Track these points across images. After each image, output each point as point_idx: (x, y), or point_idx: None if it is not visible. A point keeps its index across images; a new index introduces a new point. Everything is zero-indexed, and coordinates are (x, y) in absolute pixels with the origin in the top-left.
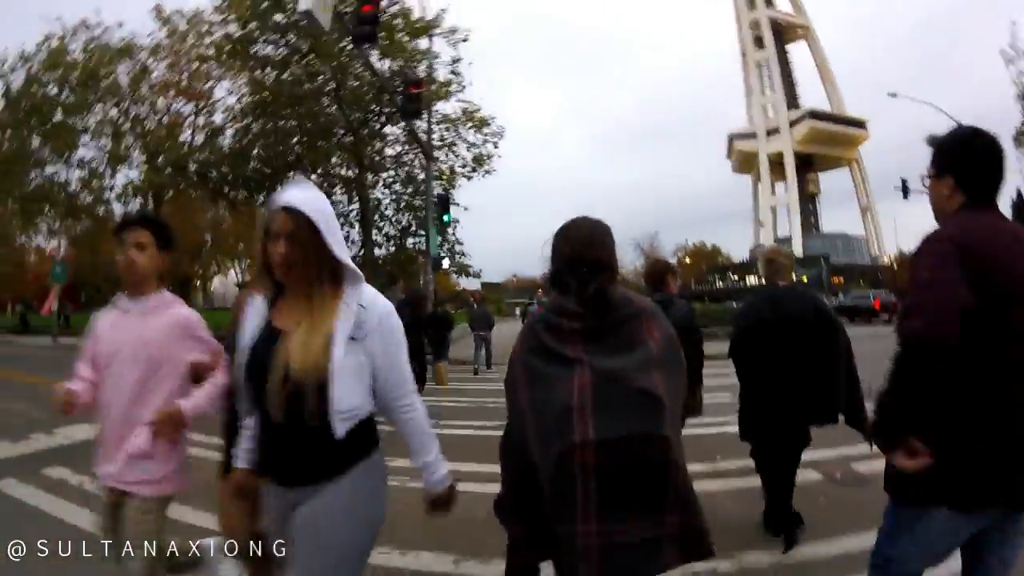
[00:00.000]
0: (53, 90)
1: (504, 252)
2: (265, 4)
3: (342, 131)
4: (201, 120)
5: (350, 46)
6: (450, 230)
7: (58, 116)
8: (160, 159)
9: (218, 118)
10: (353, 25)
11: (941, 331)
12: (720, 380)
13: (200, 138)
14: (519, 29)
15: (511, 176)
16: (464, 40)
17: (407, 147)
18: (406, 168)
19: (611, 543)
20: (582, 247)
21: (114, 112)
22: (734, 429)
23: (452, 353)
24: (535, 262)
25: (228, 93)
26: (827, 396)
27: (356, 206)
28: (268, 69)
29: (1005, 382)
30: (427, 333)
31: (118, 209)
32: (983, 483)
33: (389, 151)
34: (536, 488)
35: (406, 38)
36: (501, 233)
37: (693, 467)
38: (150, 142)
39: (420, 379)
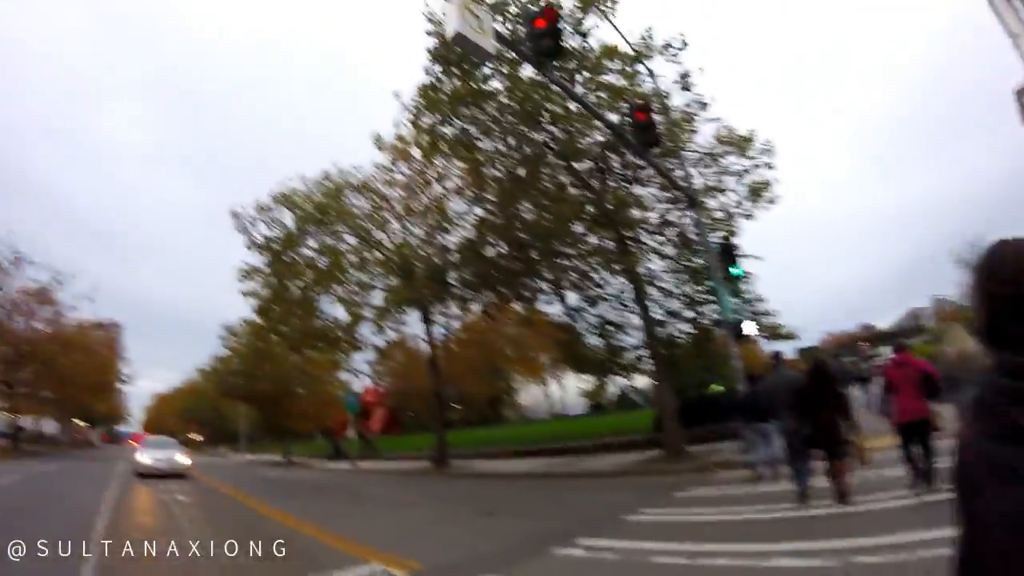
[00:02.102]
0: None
1: (799, 308)
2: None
3: (588, 203)
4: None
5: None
6: (743, 285)
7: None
8: (412, 273)
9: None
10: (531, 44)
11: None
12: None
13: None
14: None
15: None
16: (683, 48)
17: (668, 206)
18: (676, 229)
19: None
20: None
21: (353, 241)
22: None
23: None
24: (839, 315)
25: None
26: None
27: (628, 286)
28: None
29: None
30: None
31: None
32: None
33: (652, 216)
34: None
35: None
36: (788, 286)
37: None
38: (397, 260)
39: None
